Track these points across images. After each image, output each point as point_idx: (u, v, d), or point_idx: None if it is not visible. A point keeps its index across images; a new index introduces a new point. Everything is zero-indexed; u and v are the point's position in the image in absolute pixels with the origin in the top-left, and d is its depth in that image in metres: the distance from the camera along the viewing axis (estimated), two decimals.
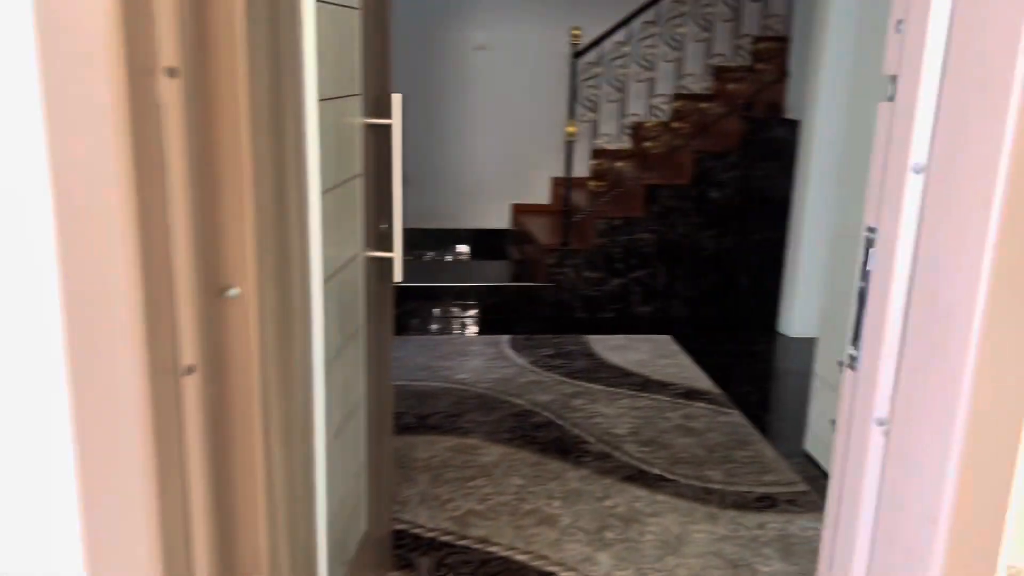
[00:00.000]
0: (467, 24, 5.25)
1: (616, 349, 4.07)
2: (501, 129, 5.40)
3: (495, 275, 4.88)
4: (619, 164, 4.49)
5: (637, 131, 4.82)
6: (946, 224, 1.04)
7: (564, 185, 4.58)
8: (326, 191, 1.50)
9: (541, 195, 5.52)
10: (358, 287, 1.77)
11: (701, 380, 3.70)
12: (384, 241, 1.95)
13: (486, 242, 5.55)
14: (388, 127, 1.83)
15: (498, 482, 2.74)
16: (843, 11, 3.99)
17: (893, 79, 1.16)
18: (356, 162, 1.70)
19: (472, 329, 4.35)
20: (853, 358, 1.25)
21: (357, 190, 1.72)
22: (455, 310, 4.54)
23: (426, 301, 4.52)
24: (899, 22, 1.14)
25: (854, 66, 4.06)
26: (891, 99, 1.16)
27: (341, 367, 1.66)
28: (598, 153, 4.54)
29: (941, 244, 1.05)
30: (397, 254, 1.87)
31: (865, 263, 1.21)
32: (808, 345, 4.19)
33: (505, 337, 4.19)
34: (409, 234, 5.46)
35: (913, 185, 1.09)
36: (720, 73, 4.65)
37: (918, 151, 1.08)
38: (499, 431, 3.11)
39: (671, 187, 4.49)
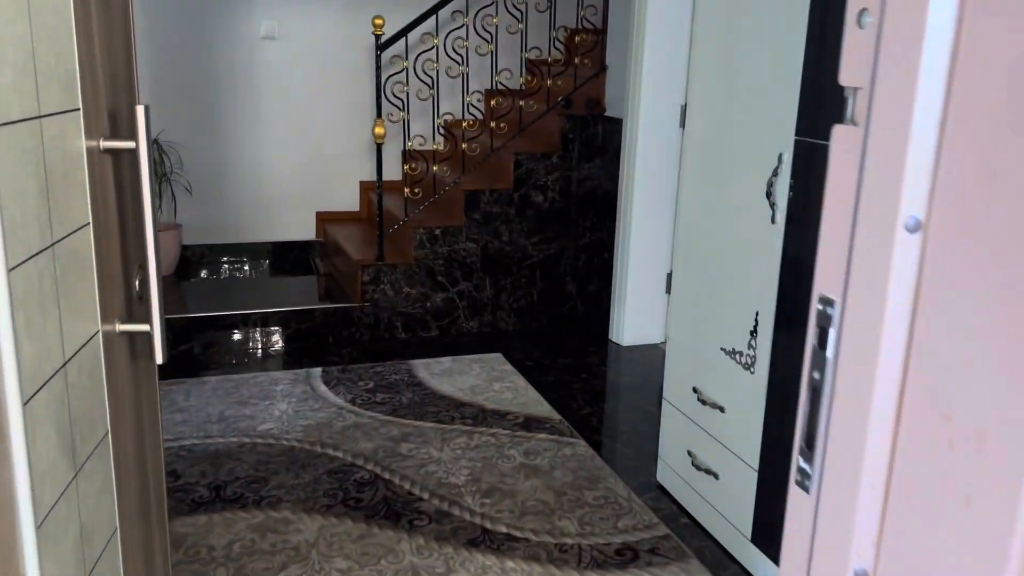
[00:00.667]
0: (250, 9, 4.63)
1: (445, 374, 3.67)
2: (298, 129, 4.83)
3: (302, 295, 4.34)
4: (435, 168, 4.09)
5: (452, 131, 4.44)
6: (967, 308, 0.71)
7: (374, 190, 4.11)
8: (20, 263, 0.98)
9: (349, 201, 5.01)
10: (98, 381, 1.25)
11: (539, 405, 3.38)
12: (140, 306, 1.43)
13: (288, 256, 4.96)
14: (132, 151, 1.31)
15: (317, 568, 2.26)
16: (661, 1, 3.79)
17: (854, 93, 0.83)
18: (82, 206, 1.17)
19: (278, 362, 3.79)
20: (806, 474, 0.91)
21: (87, 245, 1.20)
22: (256, 340, 3.96)
23: (220, 332, 3.91)
24: (863, 11, 0.80)
25: (684, 58, 3.89)
26: (851, 121, 0.83)
27: (73, 508, 1.14)
28: (411, 155, 4.11)
29: (960, 336, 0.72)
30: (157, 324, 1.36)
31: (821, 345, 0.88)
32: (642, 355, 3.99)
33: (317, 370, 3.68)
34: (196, 251, 4.78)
35: (906, 248, 0.76)
36: (536, 68, 4.35)
37: (913, 201, 0.75)
38: (315, 497, 2.63)
39: (492, 192, 4.14)
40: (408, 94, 3.97)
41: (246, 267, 4.81)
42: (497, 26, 4.02)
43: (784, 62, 2.09)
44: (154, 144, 4.52)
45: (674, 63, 3.87)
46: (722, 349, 2.42)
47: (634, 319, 4.15)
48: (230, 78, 4.66)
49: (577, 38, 4.15)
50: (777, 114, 2.13)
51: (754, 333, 2.27)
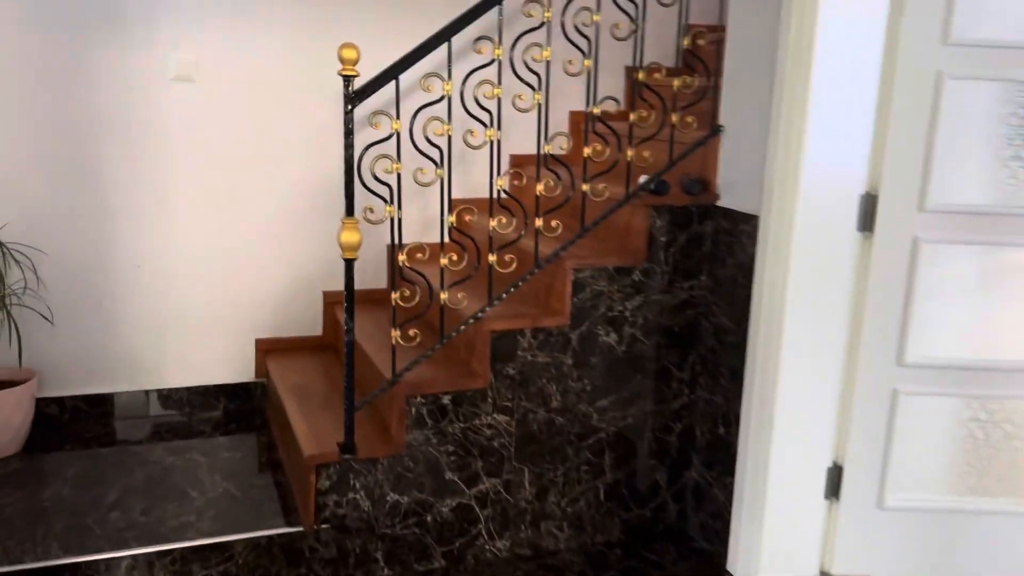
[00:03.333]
0: (153, 36, 3.01)
1: None
2: (229, 215, 3.19)
3: (222, 500, 2.65)
4: (444, 295, 2.46)
5: (470, 233, 2.82)
6: None
7: (343, 319, 2.47)
8: None
9: (306, 322, 3.35)
10: None
11: None
12: None
13: (210, 410, 3.28)
14: None
15: None
16: (838, 27, 2.22)
17: None
18: None
19: None
20: None
21: None
22: None
23: None
24: None
25: (871, 116, 2.26)
26: None
27: None
28: (403, 275, 2.48)
29: None
30: None
31: None
32: None
33: None
34: (66, 407, 3.10)
35: None
36: (608, 128, 2.71)
37: None
38: None
39: (537, 332, 2.50)
40: (400, 176, 2.34)
41: (140, 432, 3.11)
42: (549, 62, 2.41)
43: None
44: None
45: (853, 125, 2.28)
46: None
47: (774, 539, 2.50)
48: (121, 141, 3.02)
49: (676, 82, 2.55)
50: None
51: None
